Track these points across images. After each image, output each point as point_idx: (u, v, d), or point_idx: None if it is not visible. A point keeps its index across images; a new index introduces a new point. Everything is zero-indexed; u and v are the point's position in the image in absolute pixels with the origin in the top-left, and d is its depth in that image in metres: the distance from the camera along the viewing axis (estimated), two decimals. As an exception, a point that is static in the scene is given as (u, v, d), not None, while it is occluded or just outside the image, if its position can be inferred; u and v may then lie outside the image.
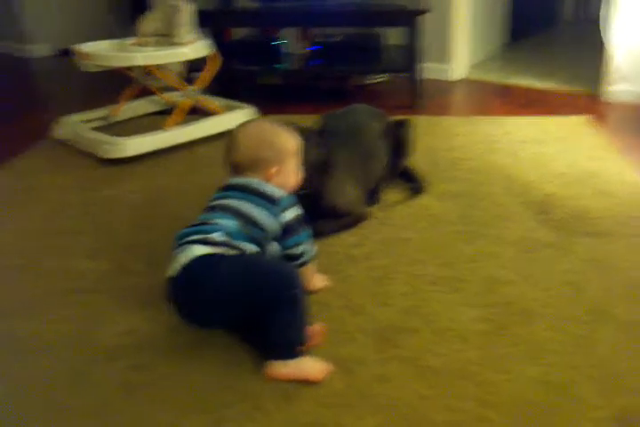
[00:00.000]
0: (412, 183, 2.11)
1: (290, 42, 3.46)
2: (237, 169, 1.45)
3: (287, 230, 1.41)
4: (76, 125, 2.60)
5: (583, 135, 2.59)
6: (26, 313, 1.50)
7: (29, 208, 2.05)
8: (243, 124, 1.50)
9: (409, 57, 3.01)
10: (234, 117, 2.67)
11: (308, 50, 3.44)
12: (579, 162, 2.31)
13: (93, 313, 1.48)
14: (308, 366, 1.25)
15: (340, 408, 1.18)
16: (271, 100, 3.23)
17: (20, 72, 4.15)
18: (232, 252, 1.30)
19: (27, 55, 4.38)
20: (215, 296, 1.27)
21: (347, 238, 1.81)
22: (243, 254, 1.32)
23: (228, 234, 1.32)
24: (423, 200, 2.04)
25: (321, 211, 1.81)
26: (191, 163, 2.39)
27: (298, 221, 1.43)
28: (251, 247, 1.34)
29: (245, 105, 2.77)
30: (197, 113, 2.73)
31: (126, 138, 2.41)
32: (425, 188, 2.10)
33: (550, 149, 2.44)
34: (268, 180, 1.43)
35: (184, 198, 2.05)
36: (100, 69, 2.53)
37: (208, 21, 3.08)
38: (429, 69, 3.44)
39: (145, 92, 2.87)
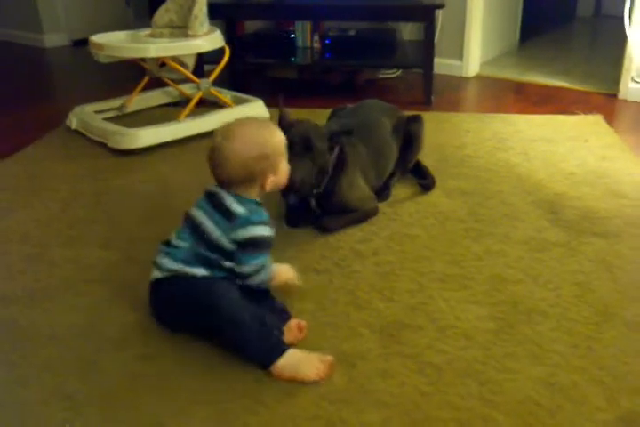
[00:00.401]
0: (423, 180, 2.11)
1: (303, 35, 3.45)
2: (228, 184, 1.36)
3: (240, 248, 1.33)
4: (89, 115, 2.61)
5: (596, 134, 2.57)
6: (34, 301, 1.51)
7: (41, 197, 2.07)
8: (225, 133, 1.36)
9: (424, 52, 2.99)
10: (245, 110, 2.68)
11: (320, 44, 3.43)
12: (590, 162, 2.29)
13: (102, 303, 1.50)
14: (304, 368, 1.24)
15: (342, 403, 1.18)
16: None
17: (35, 62, 4.17)
18: (181, 276, 1.34)
19: (42, 45, 4.39)
20: (168, 316, 1.39)
21: (354, 233, 1.82)
22: (185, 281, 1.33)
23: (181, 260, 1.35)
24: (432, 197, 2.04)
25: (331, 207, 1.81)
26: (202, 155, 2.39)
27: (253, 242, 1.33)
28: (199, 271, 1.33)
29: (255, 98, 2.77)
30: (206, 105, 2.74)
31: (138, 129, 2.42)
32: (435, 184, 2.09)
33: (561, 148, 2.42)
34: (262, 189, 1.38)
35: (194, 190, 2.05)
36: (113, 60, 2.53)
37: (221, 14, 3.07)
38: (442, 65, 3.42)
39: (158, 84, 2.88)
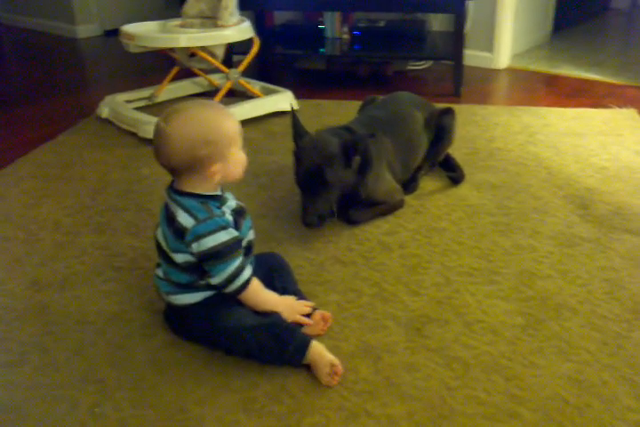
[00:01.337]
0: (452, 173, 2.09)
1: (332, 27, 3.43)
2: (172, 172, 1.27)
3: (203, 261, 1.24)
4: (120, 105, 2.64)
5: (628, 128, 2.51)
6: (65, 287, 1.54)
7: (72, 185, 2.10)
8: (168, 114, 1.23)
9: (454, 44, 2.96)
10: (274, 101, 2.68)
11: (349, 35, 3.41)
12: (623, 156, 2.25)
13: (131, 290, 1.52)
14: (318, 372, 1.23)
15: (367, 395, 1.19)
16: (310, 85, 3.22)
17: (68, 52, 4.22)
18: (176, 306, 1.33)
19: (75, 35, 4.45)
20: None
21: (381, 226, 1.81)
22: (182, 311, 1.32)
23: (166, 292, 1.33)
24: (460, 190, 2.02)
25: (358, 201, 1.80)
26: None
27: (213, 253, 1.22)
28: (189, 299, 1.30)
29: (284, 89, 2.76)
30: (235, 95, 2.75)
31: (167, 119, 2.43)
32: (464, 178, 2.07)
33: (593, 143, 2.38)
34: (209, 178, 1.25)
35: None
36: (144, 50, 2.55)
37: (251, 4, 3.07)
38: (472, 57, 3.38)
39: (188, 74, 2.89)
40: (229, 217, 1.27)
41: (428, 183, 2.07)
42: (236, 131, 1.27)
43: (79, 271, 1.61)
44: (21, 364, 1.28)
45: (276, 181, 2.07)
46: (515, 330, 1.36)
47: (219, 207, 1.27)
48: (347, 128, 1.82)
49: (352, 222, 1.81)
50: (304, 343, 1.24)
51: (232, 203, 1.32)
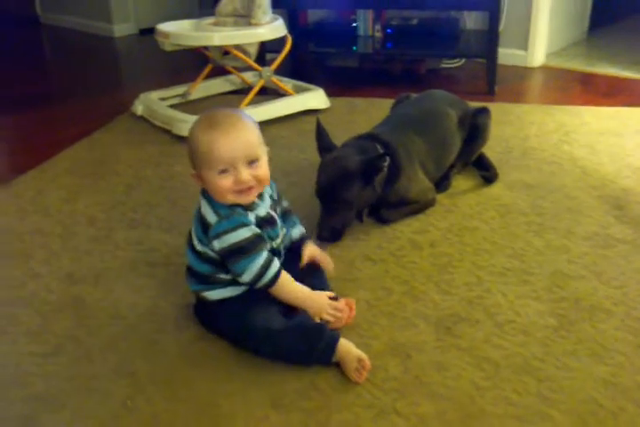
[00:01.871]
0: (485, 172, 2.07)
1: (364, 25, 3.42)
2: None
3: (226, 259, 1.26)
4: (154, 102, 2.67)
5: (668, 128, 2.46)
6: (99, 281, 1.57)
7: (107, 181, 2.14)
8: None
9: (488, 42, 2.93)
10: (306, 99, 2.69)
11: (382, 33, 3.40)
12: (661, 156, 2.20)
13: (163, 285, 1.54)
14: (346, 368, 1.23)
15: (397, 393, 1.19)
16: (342, 83, 3.22)
17: (104, 50, 4.30)
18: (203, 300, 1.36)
19: (112, 34, 4.53)
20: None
21: (411, 224, 1.80)
22: (209, 308, 1.35)
23: (193, 283, 1.36)
24: (493, 189, 2.00)
25: (390, 203, 1.80)
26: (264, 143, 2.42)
27: (236, 250, 1.23)
28: (216, 295, 1.32)
29: (316, 87, 2.77)
30: (268, 93, 2.76)
31: (200, 116, 2.46)
32: (497, 177, 2.05)
33: (630, 143, 2.33)
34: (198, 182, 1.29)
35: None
36: (177, 48, 2.58)
37: (284, 3, 3.08)
38: (506, 55, 3.33)
39: (221, 72, 2.92)
40: (252, 219, 1.27)
41: (461, 182, 2.05)
42: (209, 154, 1.21)
43: (113, 266, 1.64)
44: (57, 355, 1.31)
45: (306, 179, 2.07)
46: (547, 331, 1.34)
47: (244, 212, 1.27)
48: (375, 137, 1.80)
49: (384, 221, 1.80)
50: (333, 341, 1.24)
51: (261, 211, 1.30)
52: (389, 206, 1.80)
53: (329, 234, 1.67)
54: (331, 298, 1.35)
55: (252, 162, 1.24)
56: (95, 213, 1.92)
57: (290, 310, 1.32)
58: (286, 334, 1.24)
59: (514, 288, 1.49)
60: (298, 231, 1.46)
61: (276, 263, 1.28)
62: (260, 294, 1.30)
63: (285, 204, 1.46)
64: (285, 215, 1.44)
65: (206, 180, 1.24)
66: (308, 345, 1.23)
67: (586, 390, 1.18)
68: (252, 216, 1.28)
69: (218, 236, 1.24)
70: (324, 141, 1.79)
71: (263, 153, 1.28)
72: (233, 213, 1.25)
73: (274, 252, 1.33)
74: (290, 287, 1.30)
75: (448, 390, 1.19)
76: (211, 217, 1.26)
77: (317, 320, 1.30)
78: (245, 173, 1.22)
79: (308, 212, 1.76)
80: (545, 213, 1.84)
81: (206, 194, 1.29)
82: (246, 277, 1.25)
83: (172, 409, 1.17)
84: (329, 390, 1.20)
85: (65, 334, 1.38)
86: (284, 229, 1.39)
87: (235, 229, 1.24)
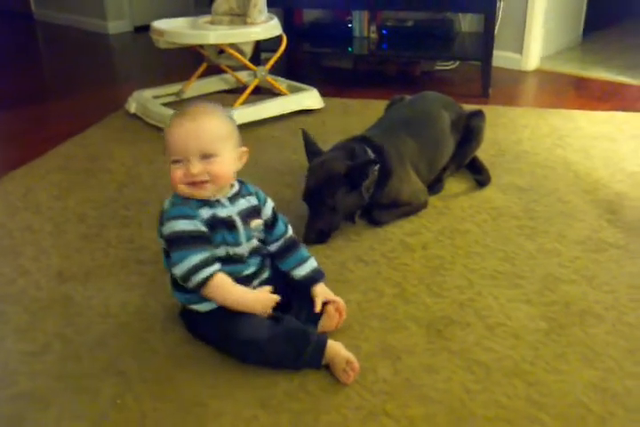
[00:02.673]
0: (478, 175, 2.07)
1: (360, 25, 3.42)
2: None
3: (167, 248, 1.24)
4: (148, 100, 2.66)
5: (661, 134, 2.47)
6: (90, 279, 1.56)
7: (99, 178, 2.13)
8: None
9: (482, 44, 2.93)
10: (300, 99, 2.68)
11: (377, 34, 3.40)
12: (654, 161, 2.21)
13: (155, 284, 1.53)
14: (334, 367, 1.22)
15: (386, 395, 1.18)
16: (337, 84, 3.22)
17: (98, 47, 4.28)
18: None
19: (106, 31, 4.50)
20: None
21: (404, 226, 1.80)
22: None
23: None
24: (486, 192, 2.00)
25: (382, 203, 1.80)
26: (256, 143, 2.41)
27: (174, 238, 1.21)
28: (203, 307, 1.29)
29: (310, 87, 2.77)
30: (262, 93, 2.76)
31: (194, 115, 2.45)
32: (490, 180, 2.05)
33: (624, 147, 2.34)
34: None
35: (246, 175, 2.08)
36: (173, 46, 2.57)
37: (279, 2, 3.08)
38: (500, 58, 3.34)
39: (215, 71, 2.91)
40: (204, 216, 1.24)
41: (453, 184, 2.05)
42: (166, 143, 1.24)
43: (103, 264, 1.63)
44: (45, 354, 1.30)
45: (299, 179, 2.06)
46: (538, 335, 1.34)
47: (201, 206, 1.24)
48: (366, 140, 1.79)
49: (376, 223, 1.80)
50: (320, 345, 1.23)
51: (222, 211, 1.26)
52: (381, 208, 1.80)
53: (315, 237, 1.67)
54: (324, 303, 1.33)
55: (206, 156, 1.22)
56: (86, 211, 1.91)
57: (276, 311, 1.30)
58: (273, 342, 1.22)
59: (505, 291, 1.49)
60: (304, 271, 1.37)
61: (211, 269, 1.21)
62: None
63: (289, 233, 1.40)
64: (288, 248, 1.38)
65: (171, 167, 1.24)
66: (296, 351, 1.22)
67: (575, 394, 1.18)
68: (205, 212, 1.24)
69: (164, 222, 1.23)
70: (311, 148, 1.80)
71: (225, 150, 1.24)
72: (185, 203, 1.24)
73: (230, 259, 1.27)
74: (225, 292, 1.23)
75: (438, 392, 1.19)
76: (166, 204, 1.27)
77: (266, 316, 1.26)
78: (196, 167, 1.21)
79: (301, 212, 1.75)
80: (537, 216, 1.85)
81: None
82: (177, 271, 1.21)
83: (160, 408, 1.16)
84: (318, 392, 1.19)
85: (54, 332, 1.36)
86: (255, 242, 1.32)
87: (178, 217, 1.22)
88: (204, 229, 1.23)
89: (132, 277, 1.56)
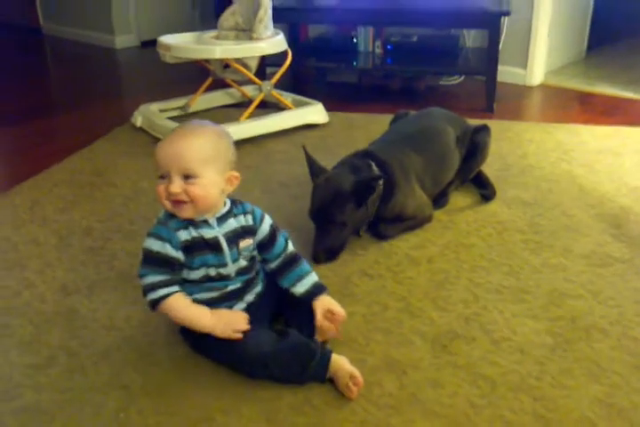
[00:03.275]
0: (483, 189, 2.07)
1: (365, 41, 3.45)
2: None
3: None
4: (154, 114, 2.68)
5: (665, 148, 2.47)
6: (94, 292, 1.56)
7: (104, 192, 2.14)
8: None
9: (487, 60, 2.95)
10: (305, 113, 2.70)
11: (382, 49, 3.42)
12: (659, 176, 2.21)
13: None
14: (337, 382, 1.22)
15: (391, 410, 1.18)
16: (341, 98, 3.24)
17: (106, 62, 4.32)
18: None
19: (113, 46, 4.55)
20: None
21: (409, 240, 1.80)
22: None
23: None
24: (490, 206, 2.00)
25: (387, 217, 1.80)
26: (263, 157, 2.43)
27: (143, 253, 1.25)
28: None
29: (315, 101, 2.78)
30: (267, 107, 2.77)
31: (199, 129, 2.47)
32: (495, 195, 2.05)
33: (628, 162, 2.34)
34: None
35: (257, 192, 2.09)
36: (179, 61, 2.60)
37: (285, 18, 3.11)
38: (505, 73, 3.36)
39: (221, 85, 2.93)
40: (181, 238, 1.24)
41: (458, 199, 2.05)
42: (156, 156, 1.24)
43: (108, 277, 1.63)
44: (49, 367, 1.30)
45: (306, 193, 2.07)
46: (543, 350, 1.34)
47: (184, 227, 1.24)
48: (371, 155, 1.80)
49: (381, 237, 1.80)
50: (325, 359, 1.22)
51: (209, 233, 1.26)
52: (387, 222, 1.80)
53: (324, 255, 1.67)
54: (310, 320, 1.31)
55: (187, 176, 1.21)
56: (92, 224, 1.91)
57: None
58: (278, 357, 1.22)
59: (510, 306, 1.49)
60: (303, 288, 1.35)
61: (167, 290, 1.23)
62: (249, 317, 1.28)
63: (289, 245, 1.39)
64: (288, 264, 1.37)
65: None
66: (301, 365, 1.21)
67: (581, 409, 1.17)
68: (185, 234, 1.24)
69: (146, 235, 1.26)
70: (314, 166, 1.78)
71: (208, 172, 1.22)
72: (166, 222, 1.25)
73: (212, 279, 1.28)
74: (179, 313, 1.24)
75: (443, 407, 1.18)
76: (156, 218, 1.29)
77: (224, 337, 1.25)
78: (176, 185, 1.20)
79: (307, 226, 1.76)
80: (542, 230, 1.84)
81: None
82: (141, 283, 1.25)
83: (164, 422, 1.16)
84: (323, 406, 1.19)
85: (58, 346, 1.36)
86: (243, 262, 1.31)
87: (152, 236, 1.24)
88: (173, 253, 1.23)
89: (137, 291, 1.55)
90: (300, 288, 1.36)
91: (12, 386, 1.25)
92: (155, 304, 1.24)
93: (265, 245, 1.36)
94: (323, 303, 1.33)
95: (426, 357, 1.32)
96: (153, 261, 1.23)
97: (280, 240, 1.38)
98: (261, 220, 1.35)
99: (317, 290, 1.36)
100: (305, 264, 1.39)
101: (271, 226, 1.36)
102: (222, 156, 1.26)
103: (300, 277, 1.36)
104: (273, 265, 1.38)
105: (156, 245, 1.23)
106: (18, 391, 1.23)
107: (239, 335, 1.24)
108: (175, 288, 1.25)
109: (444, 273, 1.63)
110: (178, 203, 1.22)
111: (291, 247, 1.39)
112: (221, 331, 1.24)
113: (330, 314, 1.32)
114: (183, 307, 1.25)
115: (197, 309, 1.26)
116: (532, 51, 3.39)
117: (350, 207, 1.66)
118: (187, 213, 1.23)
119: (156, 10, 4.66)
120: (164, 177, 1.23)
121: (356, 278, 1.61)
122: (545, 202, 2.02)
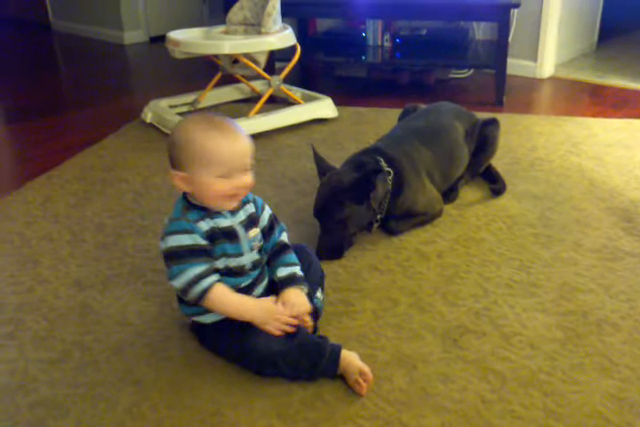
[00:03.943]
0: (493, 184, 2.07)
1: (374, 34, 3.44)
2: None
3: (165, 261, 1.25)
4: (164, 110, 2.69)
5: (677, 141, 2.45)
6: (107, 288, 1.58)
7: (116, 188, 2.15)
8: None
9: (497, 52, 2.94)
10: (314, 108, 2.70)
11: (391, 43, 3.41)
12: (670, 169, 2.19)
13: (169, 293, 1.53)
14: (347, 376, 1.22)
15: (402, 405, 1.18)
16: (351, 92, 3.23)
17: (115, 58, 4.33)
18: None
19: (122, 42, 4.57)
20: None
21: (419, 235, 1.80)
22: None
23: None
24: (500, 200, 2.00)
25: (397, 215, 1.80)
26: (271, 152, 2.43)
27: (171, 254, 1.22)
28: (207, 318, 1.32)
29: (325, 96, 2.78)
30: (276, 102, 2.78)
31: (209, 124, 2.47)
32: (505, 189, 2.05)
33: (638, 155, 2.33)
34: (177, 184, 1.27)
35: (267, 187, 2.09)
36: (188, 56, 2.60)
37: (294, 12, 3.10)
38: (515, 66, 3.34)
39: (230, 80, 2.94)
40: (203, 228, 1.23)
41: (468, 193, 2.05)
42: (210, 157, 1.19)
43: (121, 273, 1.64)
44: (63, 362, 1.32)
45: (314, 188, 2.07)
46: (554, 344, 1.34)
47: (201, 218, 1.24)
48: (379, 151, 1.79)
49: (391, 232, 1.80)
50: (335, 355, 1.23)
51: (224, 222, 1.26)
52: (397, 217, 1.80)
53: (327, 253, 1.67)
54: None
55: (247, 169, 1.24)
56: (103, 220, 1.93)
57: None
58: (288, 355, 1.22)
59: (521, 300, 1.49)
60: (283, 273, 1.34)
61: (210, 280, 1.22)
62: None
63: (283, 236, 1.39)
64: (277, 252, 1.37)
65: (197, 181, 1.21)
66: (311, 363, 1.22)
67: (592, 404, 1.17)
68: (205, 225, 1.24)
69: (164, 236, 1.24)
70: (322, 165, 1.78)
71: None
72: (182, 217, 1.24)
73: (230, 272, 1.28)
74: (225, 302, 1.24)
75: (454, 402, 1.19)
76: (166, 220, 1.27)
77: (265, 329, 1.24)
78: (248, 179, 1.23)
79: (314, 221, 1.76)
80: (552, 224, 1.84)
81: (184, 195, 1.28)
82: (176, 283, 1.22)
83: (176, 417, 1.17)
84: (334, 401, 1.19)
85: (72, 341, 1.38)
86: (258, 256, 1.33)
87: (176, 232, 1.22)
88: (203, 242, 1.23)
89: (149, 286, 1.58)
90: (280, 273, 1.34)
91: (28, 381, 1.27)
92: (200, 296, 1.22)
93: (264, 235, 1.36)
94: (287, 295, 1.29)
95: (436, 352, 1.32)
96: (185, 255, 1.21)
97: (277, 231, 1.39)
98: (262, 208, 1.37)
99: (292, 281, 1.33)
100: (293, 256, 1.39)
101: (270, 215, 1.38)
102: None
103: (285, 265, 1.36)
104: (267, 255, 1.39)
105: (185, 239, 1.21)
106: (33, 386, 1.25)
107: (292, 329, 1.25)
108: (216, 277, 1.24)
109: (454, 268, 1.63)
110: (238, 195, 1.25)
111: (283, 237, 1.40)
112: (262, 318, 1.24)
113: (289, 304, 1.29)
114: (229, 294, 1.24)
115: (239, 295, 1.27)
116: (542, 43, 3.37)
117: (349, 204, 1.65)
118: (236, 202, 1.26)
119: (165, 5, 4.66)
120: (224, 175, 1.21)
121: (366, 274, 1.61)
122: (555, 196, 2.02)
